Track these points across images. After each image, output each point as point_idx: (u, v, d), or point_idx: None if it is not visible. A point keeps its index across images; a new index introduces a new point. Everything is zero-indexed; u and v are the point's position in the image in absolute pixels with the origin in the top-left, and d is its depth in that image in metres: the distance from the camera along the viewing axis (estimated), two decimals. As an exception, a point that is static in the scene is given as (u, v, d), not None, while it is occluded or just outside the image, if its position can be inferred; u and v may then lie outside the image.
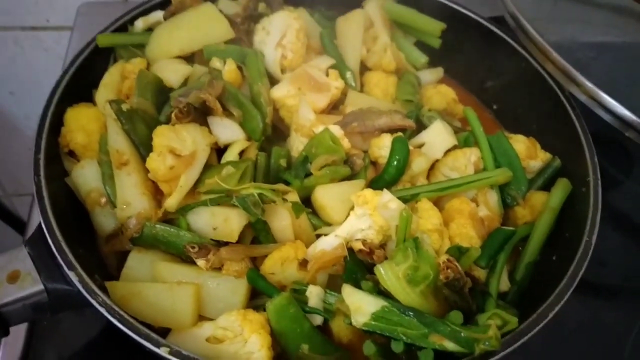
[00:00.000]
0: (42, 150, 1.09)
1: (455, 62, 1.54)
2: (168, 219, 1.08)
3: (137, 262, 1.06)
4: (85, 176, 1.11)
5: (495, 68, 1.48)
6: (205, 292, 1.02)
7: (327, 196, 1.11)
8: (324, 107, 1.25)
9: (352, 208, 1.08)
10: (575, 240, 1.10)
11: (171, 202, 1.04)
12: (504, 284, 1.13)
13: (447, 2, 1.48)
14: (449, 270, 0.96)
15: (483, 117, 1.48)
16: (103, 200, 1.09)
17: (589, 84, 1.23)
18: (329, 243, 1.06)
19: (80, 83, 1.23)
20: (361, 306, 0.95)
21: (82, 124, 1.16)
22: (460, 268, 0.99)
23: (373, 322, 0.94)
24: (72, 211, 1.12)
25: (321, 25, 1.44)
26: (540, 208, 1.21)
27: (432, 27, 1.47)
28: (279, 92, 1.25)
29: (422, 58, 1.48)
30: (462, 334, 0.90)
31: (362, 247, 1.00)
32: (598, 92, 1.22)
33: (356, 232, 1.06)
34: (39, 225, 0.99)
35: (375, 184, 1.16)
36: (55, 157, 1.16)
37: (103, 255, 1.12)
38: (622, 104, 1.20)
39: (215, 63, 1.27)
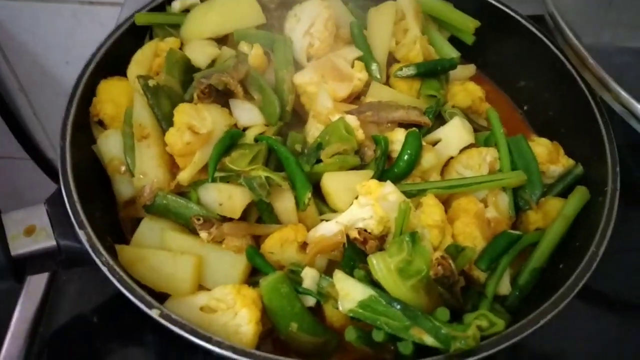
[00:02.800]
0: (71, 117, 1.16)
1: (490, 60, 1.51)
2: (181, 192, 1.14)
3: (148, 228, 1.12)
4: (109, 145, 1.18)
5: (530, 68, 1.44)
6: (206, 264, 1.07)
7: (334, 183, 1.13)
8: (344, 96, 1.27)
9: (356, 197, 1.10)
10: (584, 250, 1.08)
11: (184, 176, 1.09)
12: (505, 288, 1.11)
13: (484, -2, 1.45)
14: (439, 267, 0.96)
15: (512, 118, 1.48)
16: (123, 168, 1.15)
17: (623, 93, 1.19)
18: (329, 229, 1.07)
19: (115, 57, 1.29)
20: (349, 293, 0.97)
21: (112, 96, 1.22)
22: (453, 266, 0.98)
23: (359, 310, 0.96)
24: (96, 177, 1.19)
25: (354, 15, 1.44)
26: (554, 215, 1.18)
27: (466, 24, 1.44)
28: (302, 79, 1.27)
29: (454, 53, 1.45)
30: (442, 330, 0.91)
31: (356, 235, 1.02)
32: (632, 101, 1.18)
33: (357, 220, 1.07)
34: (59, 187, 1.07)
35: (384, 176, 1.16)
36: (85, 125, 1.23)
37: (120, 219, 1.19)
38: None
39: (243, 47, 1.31)
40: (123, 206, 1.17)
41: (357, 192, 1.09)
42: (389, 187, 1.06)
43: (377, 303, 0.96)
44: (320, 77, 1.26)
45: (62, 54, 2.08)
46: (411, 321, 0.93)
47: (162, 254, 1.06)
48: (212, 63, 1.28)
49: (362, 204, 1.07)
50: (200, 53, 1.28)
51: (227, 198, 1.08)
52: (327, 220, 1.10)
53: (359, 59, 1.34)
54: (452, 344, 0.89)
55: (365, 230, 1.03)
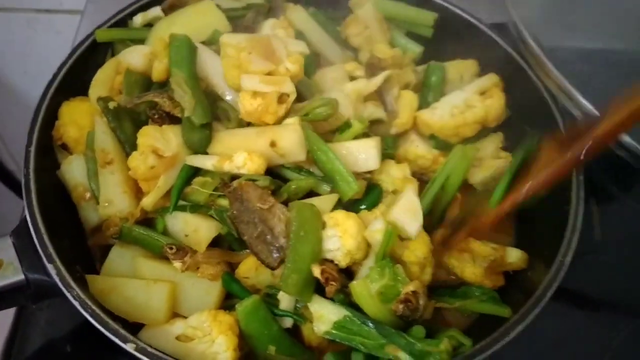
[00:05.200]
0: (34, 143, 1.14)
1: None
2: (149, 218, 1.12)
3: (119, 256, 1.10)
4: (73, 171, 1.16)
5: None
6: (180, 291, 1.06)
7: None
8: (255, 70, 1.14)
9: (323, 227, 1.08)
10: (550, 260, 1.11)
11: (147, 202, 1.08)
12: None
13: (447, 5, 1.47)
14: (402, 306, 0.98)
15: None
16: (88, 195, 1.14)
17: (583, 101, 1.22)
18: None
19: (77, 76, 1.26)
20: (324, 314, 0.99)
21: (75, 118, 1.20)
22: (422, 302, 1.00)
23: (334, 331, 0.98)
24: (63, 203, 1.17)
25: (320, 24, 1.44)
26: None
27: (425, 17, 1.47)
28: (229, 40, 1.17)
29: (417, 48, 1.48)
30: (417, 346, 0.94)
31: (319, 275, 1.01)
32: (592, 109, 1.21)
33: (325, 252, 1.06)
34: (25, 217, 1.04)
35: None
36: (49, 149, 1.21)
37: (89, 247, 1.17)
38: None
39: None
40: (91, 233, 1.15)
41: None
42: (378, 223, 1.06)
43: (352, 323, 0.98)
44: (247, 47, 1.16)
45: (19, 63, 2.02)
46: (386, 339, 0.96)
47: (135, 282, 1.05)
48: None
49: (329, 235, 1.06)
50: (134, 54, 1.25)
51: (193, 230, 1.07)
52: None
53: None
54: (427, 359, 0.91)
55: (332, 261, 1.04)
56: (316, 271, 1.01)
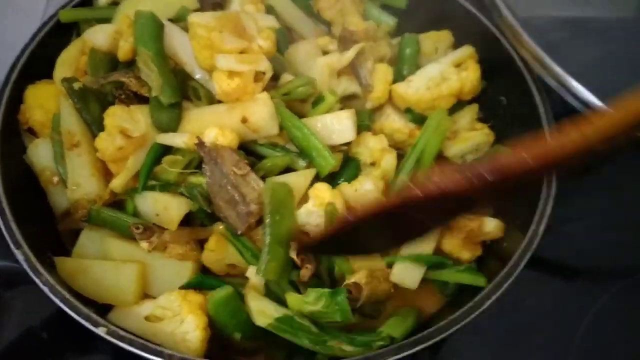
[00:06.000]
0: (-1, 128, 1.11)
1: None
2: (118, 200, 1.11)
3: (89, 239, 1.09)
4: (39, 155, 1.14)
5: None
6: (150, 272, 1.05)
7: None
8: (229, 49, 1.13)
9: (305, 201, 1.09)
10: (525, 229, 1.11)
11: (116, 183, 1.06)
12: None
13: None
14: None
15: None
16: (55, 179, 1.12)
17: (557, 69, 1.21)
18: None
19: (42, 59, 1.24)
20: (264, 310, 1.00)
21: (40, 101, 1.18)
22: (364, 294, 1.03)
23: (277, 324, 0.99)
24: (31, 188, 1.15)
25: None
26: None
27: None
28: (198, 19, 1.13)
29: (391, 21, 1.46)
30: (359, 338, 0.98)
31: (295, 257, 1.03)
32: (566, 77, 1.20)
33: (303, 224, 1.07)
34: (-9, 203, 1.03)
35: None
36: (15, 133, 1.18)
37: (60, 232, 1.15)
38: (589, 90, 1.18)
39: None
40: (61, 218, 1.14)
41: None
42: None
43: (292, 321, 0.99)
44: (217, 26, 1.14)
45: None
46: (327, 335, 0.99)
47: (104, 263, 1.04)
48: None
49: (310, 210, 1.06)
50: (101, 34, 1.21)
51: (163, 209, 1.05)
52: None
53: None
54: (373, 345, 0.95)
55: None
56: (293, 253, 1.02)
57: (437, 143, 1.22)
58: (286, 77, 1.22)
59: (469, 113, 1.35)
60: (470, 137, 1.32)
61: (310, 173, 1.11)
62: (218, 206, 1.03)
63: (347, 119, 1.16)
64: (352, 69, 1.32)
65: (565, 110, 1.25)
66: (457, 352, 1.24)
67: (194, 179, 1.06)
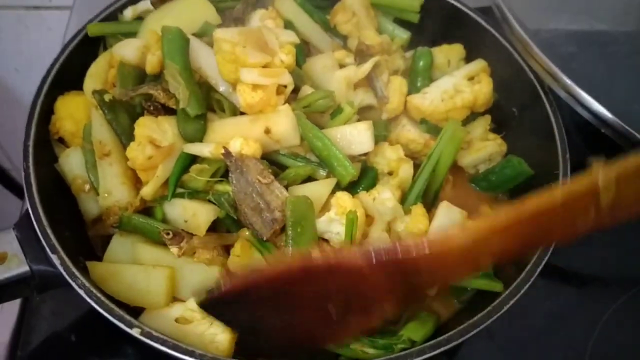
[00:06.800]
0: (32, 138, 1.15)
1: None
2: (148, 207, 1.15)
3: (120, 244, 1.13)
4: (71, 163, 1.18)
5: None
6: (180, 276, 1.08)
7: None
8: (253, 63, 1.16)
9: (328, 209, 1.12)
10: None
11: (147, 191, 1.10)
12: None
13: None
14: None
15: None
16: (87, 187, 1.16)
17: (568, 81, 1.25)
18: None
19: (71, 71, 1.28)
20: None
21: (70, 112, 1.22)
22: None
23: None
24: (63, 196, 1.19)
25: (308, 13, 1.46)
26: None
27: (411, 3, 1.50)
28: (223, 34, 1.18)
29: (404, 34, 1.50)
30: (380, 342, 1.01)
31: None
32: (576, 89, 1.24)
33: (323, 233, 1.12)
34: (26, 210, 1.07)
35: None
36: (47, 143, 1.23)
37: (90, 237, 1.19)
38: (599, 102, 1.22)
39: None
40: (92, 224, 1.18)
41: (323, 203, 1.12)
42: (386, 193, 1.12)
43: None
44: (241, 41, 1.17)
45: (10, 61, 2.03)
46: None
47: (135, 268, 1.08)
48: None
49: (332, 218, 1.10)
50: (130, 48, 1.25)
51: (192, 215, 1.09)
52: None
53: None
54: (395, 348, 0.98)
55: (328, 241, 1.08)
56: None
57: (452, 153, 1.26)
58: (306, 90, 1.26)
59: (482, 124, 1.39)
60: (483, 147, 1.36)
61: (331, 182, 1.15)
62: (244, 213, 1.07)
63: (366, 130, 1.20)
64: (368, 81, 1.37)
65: (574, 121, 1.31)
66: (471, 357, 1.27)
67: (221, 187, 1.10)
